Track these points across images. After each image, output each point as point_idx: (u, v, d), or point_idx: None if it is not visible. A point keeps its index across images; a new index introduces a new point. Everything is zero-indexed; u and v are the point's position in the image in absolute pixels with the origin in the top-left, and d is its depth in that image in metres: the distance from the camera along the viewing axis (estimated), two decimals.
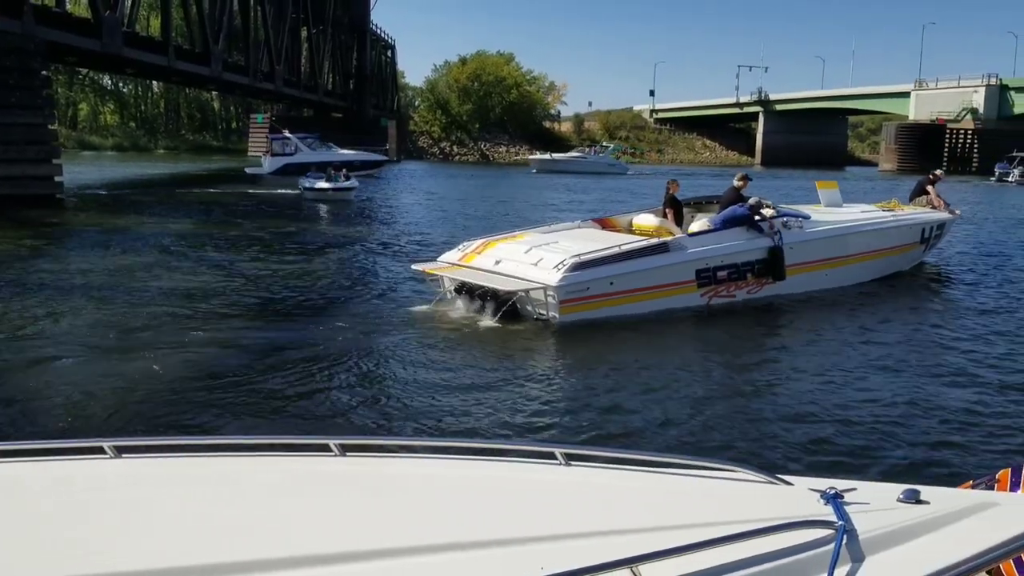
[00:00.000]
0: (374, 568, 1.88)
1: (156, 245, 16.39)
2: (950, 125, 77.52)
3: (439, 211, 27.30)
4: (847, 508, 2.14)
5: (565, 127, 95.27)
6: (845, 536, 2.00)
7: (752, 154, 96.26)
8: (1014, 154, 59.24)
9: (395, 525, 2.07)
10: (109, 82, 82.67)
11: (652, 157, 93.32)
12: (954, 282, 13.97)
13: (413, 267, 11.33)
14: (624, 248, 10.21)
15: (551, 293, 9.46)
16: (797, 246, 11.44)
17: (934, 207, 14.85)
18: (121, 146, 76.58)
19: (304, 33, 62.20)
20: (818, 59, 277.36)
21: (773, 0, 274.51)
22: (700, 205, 12.95)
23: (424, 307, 10.51)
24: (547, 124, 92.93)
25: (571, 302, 9.56)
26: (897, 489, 2.27)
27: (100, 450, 2.41)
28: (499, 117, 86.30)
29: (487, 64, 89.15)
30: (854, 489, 2.29)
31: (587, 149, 69.05)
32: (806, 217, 12.14)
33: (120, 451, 2.42)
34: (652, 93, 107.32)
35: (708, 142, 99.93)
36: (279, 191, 32.50)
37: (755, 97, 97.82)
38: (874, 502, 2.22)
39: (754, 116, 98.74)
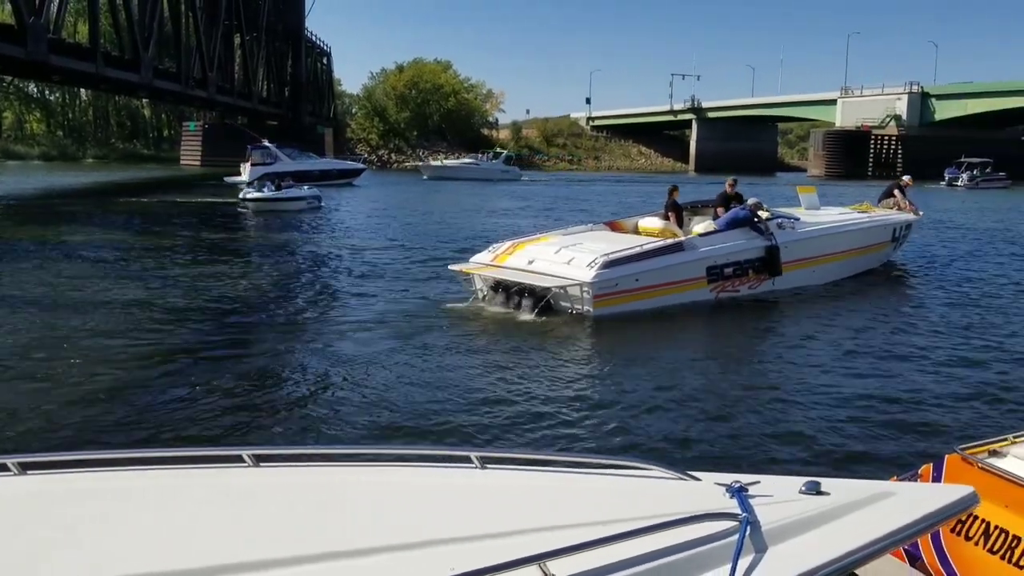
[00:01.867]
0: None
1: (87, 256, 16.09)
2: (875, 132, 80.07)
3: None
4: (751, 501, 2.20)
5: (503, 134, 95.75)
6: (748, 528, 2.07)
7: (686, 161, 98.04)
8: (962, 160, 62.07)
9: (307, 534, 2.07)
10: (35, 89, 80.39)
11: (589, 164, 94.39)
12: (918, 278, 14.99)
13: (450, 267, 12.04)
14: (646, 248, 11.18)
15: (586, 289, 10.30)
16: (790, 245, 12.44)
17: (900, 209, 15.90)
18: (48, 155, 74.40)
19: (237, 40, 61.41)
20: (748, 68, 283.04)
21: (704, 10, 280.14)
22: (696, 209, 13.91)
23: (461, 305, 11.16)
24: (485, 131, 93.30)
25: (603, 297, 10.40)
26: (800, 481, 2.35)
27: (4, 467, 2.36)
28: (437, 125, 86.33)
29: (424, 72, 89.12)
30: (758, 482, 2.36)
31: (480, 155, 67.91)
32: (796, 219, 13.10)
33: (25, 468, 2.37)
34: (588, 101, 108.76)
35: (644, 149, 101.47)
36: (212, 200, 31.80)
37: (688, 105, 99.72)
38: (777, 494, 2.29)
39: (688, 124, 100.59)
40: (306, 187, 30.69)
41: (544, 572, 1.86)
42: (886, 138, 79.83)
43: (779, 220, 12.62)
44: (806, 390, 7.49)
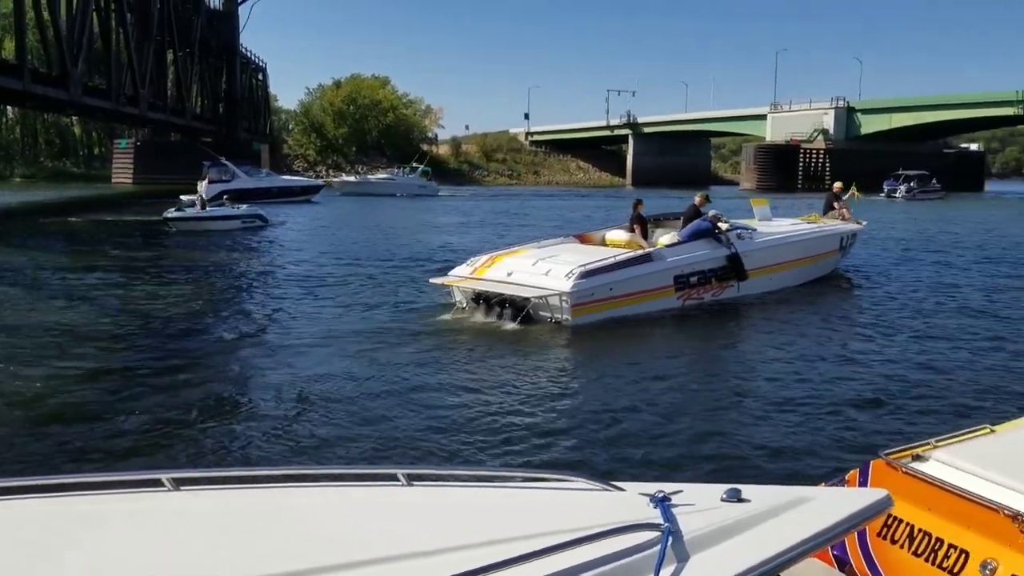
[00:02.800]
0: None
1: (7, 277, 15.62)
2: (804, 145, 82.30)
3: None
4: (674, 510, 2.22)
5: (443, 150, 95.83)
6: (670, 537, 2.08)
7: (624, 175, 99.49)
8: (900, 172, 64.51)
9: (228, 559, 2.05)
10: None
11: (529, 179, 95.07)
12: (862, 285, 15.76)
13: (431, 280, 12.53)
14: (619, 259, 11.71)
15: (565, 299, 10.81)
16: (749, 254, 13.08)
17: (844, 219, 16.69)
18: None
19: (170, 56, 60.37)
20: (682, 84, 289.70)
21: (639, 27, 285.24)
22: (659, 221, 14.47)
23: (446, 316, 11.59)
24: (425, 147, 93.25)
25: (580, 306, 10.93)
26: (721, 489, 2.37)
27: None
28: (376, 140, 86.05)
29: (362, 87, 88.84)
30: (681, 491, 2.38)
31: (396, 170, 66.25)
32: (753, 230, 13.83)
33: None
34: (527, 116, 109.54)
35: (582, 164, 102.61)
36: (143, 218, 30.80)
37: (624, 120, 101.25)
38: (699, 503, 2.31)
39: (624, 139, 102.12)
40: (245, 205, 29.56)
41: None
42: (814, 152, 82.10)
43: (738, 231, 13.27)
44: (758, 397, 7.74)
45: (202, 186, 44.32)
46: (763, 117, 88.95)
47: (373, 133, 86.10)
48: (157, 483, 2.45)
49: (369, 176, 63.88)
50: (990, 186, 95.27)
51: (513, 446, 6.39)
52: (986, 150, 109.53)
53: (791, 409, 7.29)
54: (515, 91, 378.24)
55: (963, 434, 4.06)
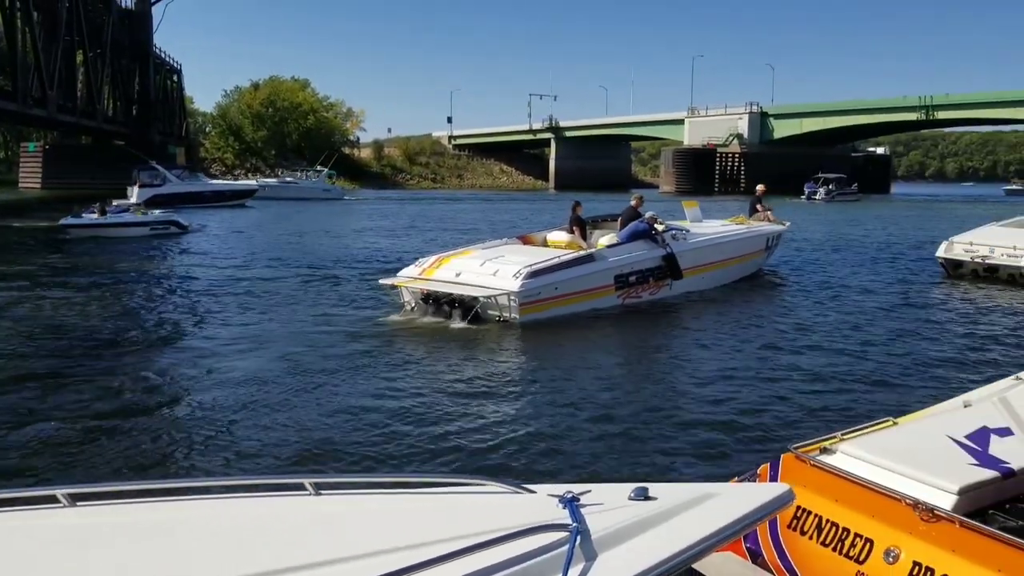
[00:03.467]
0: None
1: None
2: (720, 149, 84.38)
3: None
4: (582, 510, 2.25)
5: (365, 153, 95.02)
6: (578, 537, 2.10)
7: (546, 178, 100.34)
8: (819, 176, 66.87)
9: (128, 574, 2.01)
10: None
11: (452, 182, 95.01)
12: (786, 283, 16.46)
13: (381, 281, 12.73)
14: (563, 259, 12.09)
15: (513, 298, 11.13)
16: (684, 254, 13.62)
17: (770, 220, 17.38)
18: None
19: (80, 57, 58.31)
20: (602, 88, 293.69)
21: (558, 32, 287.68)
22: (597, 223, 14.83)
23: (396, 316, 11.79)
24: (346, 150, 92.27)
25: (528, 304, 11.27)
26: (629, 488, 2.43)
27: None
28: (296, 143, 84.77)
29: (281, 90, 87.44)
30: (589, 491, 2.41)
31: (299, 173, 63.61)
32: (686, 231, 14.32)
33: None
34: (450, 120, 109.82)
35: (505, 167, 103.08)
36: (51, 224, 29.04)
37: (546, 124, 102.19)
38: (607, 502, 2.34)
39: (547, 142, 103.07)
40: (159, 211, 28.16)
41: None
42: (730, 155, 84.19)
43: (672, 232, 13.80)
44: (684, 395, 7.97)
45: (132, 190, 43.20)
46: (681, 122, 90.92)
47: (293, 136, 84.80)
48: (52, 499, 2.38)
49: (269, 180, 60.13)
50: (896, 188, 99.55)
51: (445, 448, 6.42)
52: (892, 154, 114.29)
53: (712, 407, 7.54)
54: (438, 94, 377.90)
55: (868, 427, 4.25)
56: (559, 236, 13.74)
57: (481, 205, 52.79)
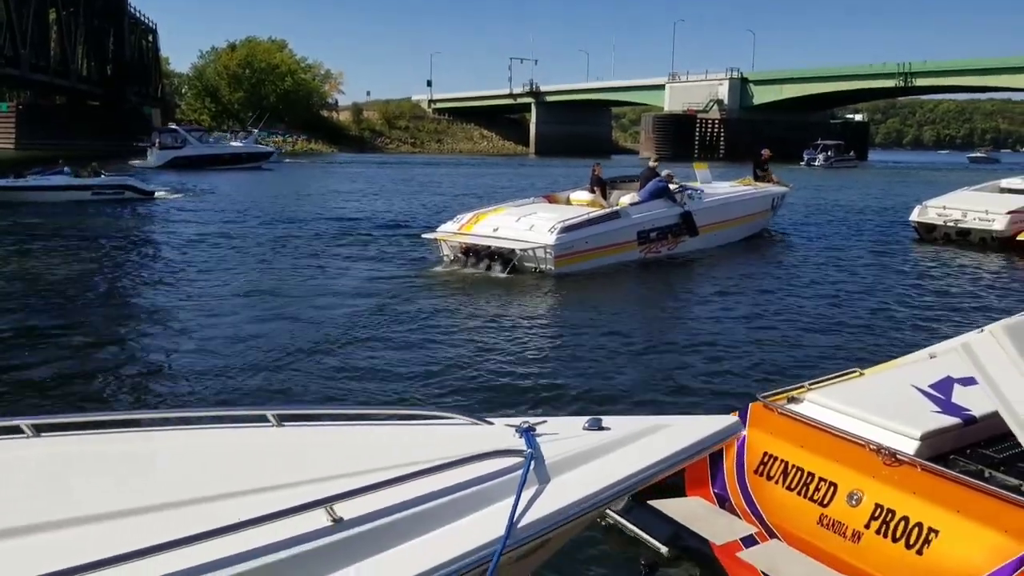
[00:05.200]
0: (69, 536, 1.87)
1: None
2: (700, 116, 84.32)
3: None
4: (538, 439, 2.34)
5: (344, 116, 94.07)
6: (532, 462, 2.21)
7: (527, 144, 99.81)
8: (819, 142, 68.86)
9: (93, 498, 2.05)
10: None
11: (432, 147, 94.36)
12: (789, 241, 17.45)
13: (424, 235, 13.60)
14: (592, 216, 12.91)
15: (549, 250, 12.01)
16: (699, 212, 14.49)
17: (774, 182, 18.18)
18: None
19: (53, 15, 57.14)
20: (583, 53, 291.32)
21: None
22: (615, 183, 15.74)
23: (439, 268, 12.78)
24: (325, 113, 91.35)
25: (562, 257, 12.13)
26: (583, 420, 2.54)
27: None
28: (274, 106, 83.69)
29: (258, 50, 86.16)
30: (545, 422, 2.54)
31: (229, 134, 59.79)
32: (700, 190, 15.23)
33: None
34: (430, 83, 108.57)
35: (486, 132, 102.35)
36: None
37: (527, 89, 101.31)
38: (562, 432, 2.45)
39: (527, 107, 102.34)
40: (104, 175, 24.95)
41: (331, 516, 1.93)
42: (710, 121, 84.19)
43: (688, 191, 14.69)
44: (687, 345, 8.32)
45: (152, 151, 43.51)
46: (661, 87, 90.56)
47: (271, 98, 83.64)
48: (16, 430, 2.41)
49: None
50: (873, 155, 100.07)
51: (472, 383, 6.89)
52: (870, 121, 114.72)
53: (710, 355, 7.90)
54: (417, 58, 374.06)
55: (834, 377, 4.41)
56: (582, 195, 14.58)
57: (464, 170, 52.33)
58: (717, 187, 16.47)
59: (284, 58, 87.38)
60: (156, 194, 25.97)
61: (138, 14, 73.85)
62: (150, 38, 78.82)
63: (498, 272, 12.11)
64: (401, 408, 2.89)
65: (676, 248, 14.16)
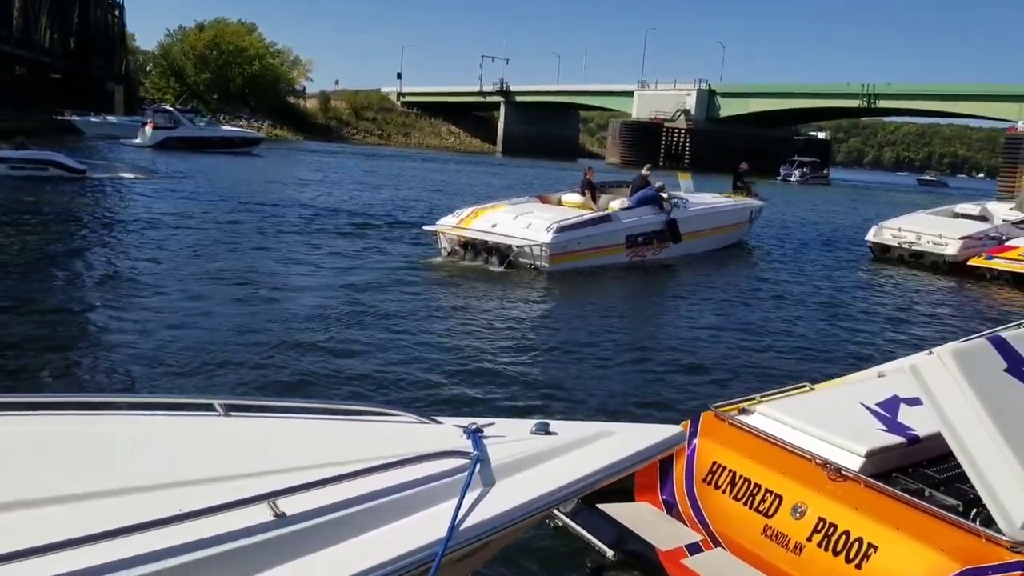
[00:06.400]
0: (1, 522, 1.84)
1: None
2: (667, 124, 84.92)
3: None
4: (484, 441, 2.35)
5: (311, 103, 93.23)
6: (478, 464, 2.21)
7: (494, 142, 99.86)
8: (795, 159, 72.42)
9: (36, 481, 2.03)
10: None
11: (399, 140, 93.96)
12: (764, 252, 18.11)
13: (425, 228, 14.25)
14: (585, 218, 13.54)
15: (544, 248, 12.55)
16: (683, 220, 15.12)
17: (752, 196, 18.91)
18: None
19: None
20: (554, 55, 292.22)
21: None
22: (604, 188, 16.22)
23: (438, 259, 13.32)
24: (292, 100, 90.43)
25: (557, 256, 12.67)
26: (531, 423, 2.56)
27: None
28: (240, 89, 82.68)
29: (227, 32, 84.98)
30: (493, 424, 2.54)
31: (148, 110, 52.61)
32: (686, 200, 15.91)
33: None
34: (399, 76, 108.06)
35: (453, 128, 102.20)
36: None
37: (497, 87, 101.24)
38: (509, 434, 2.47)
39: (496, 106, 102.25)
40: (30, 148, 23.15)
41: (274, 511, 1.92)
42: (676, 131, 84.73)
43: (675, 200, 15.34)
44: (658, 351, 8.45)
45: (146, 130, 43.18)
46: (630, 94, 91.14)
47: (237, 81, 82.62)
48: None
49: (92, 118, 51.36)
50: (833, 173, 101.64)
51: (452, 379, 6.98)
52: (832, 139, 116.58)
53: (673, 362, 8.01)
54: (388, 50, 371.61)
55: (786, 391, 4.47)
56: (573, 197, 15.10)
57: (429, 167, 51.80)
58: (700, 197, 17.04)
59: (253, 41, 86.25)
60: (122, 175, 24.77)
61: None
62: (116, 13, 77.21)
63: (495, 266, 12.65)
64: (351, 403, 2.81)
65: (660, 253, 14.76)
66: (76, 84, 61.26)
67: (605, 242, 13.62)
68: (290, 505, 1.94)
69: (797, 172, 69.80)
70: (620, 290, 12.74)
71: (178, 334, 7.73)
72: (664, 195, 15.04)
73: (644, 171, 15.72)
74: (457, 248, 13.26)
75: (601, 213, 14.14)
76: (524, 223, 13.02)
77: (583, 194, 15.27)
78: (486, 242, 12.83)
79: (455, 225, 13.41)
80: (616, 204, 14.68)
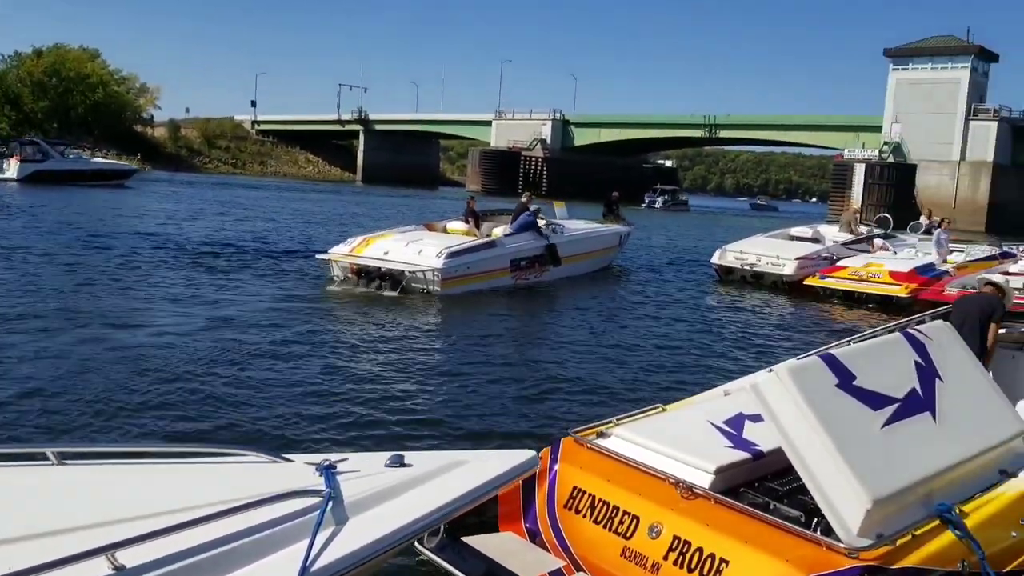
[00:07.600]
0: None
1: None
2: (524, 153, 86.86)
3: None
4: (338, 477, 2.32)
5: (159, 132, 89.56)
6: (330, 503, 2.17)
7: (354, 170, 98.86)
8: (657, 187, 77.39)
9: None
10: None
11: (255, 168, 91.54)
12: (630, 275, 19.21)
13: (318, 256, 14.60)
14: (473, 244, 14.41)
15: (436, 273, 13.24)
16: (561, 244, 16.24)
17: (620, 221, 20.50)
18: None
19: None
20: (412, 84, 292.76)
21: (369, 25, 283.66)
22: (486, 215, 17.25)
23: (333, 287, 13.71)
24: (139, 128, 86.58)
25: (448, 280, 13.38)
26: (385, 456, 2.54)
27: None
28: (82, 117, 78.42)
29: (68, 59, 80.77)
30: (346, 459, 2.51)
31: None
32: (562, 225, 16.89)
33: None
34: (254, 104, 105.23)
35: (312, 157, 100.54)
36: None
37: (356, 115, 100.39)
38: (364, 469, 2.43)
39: (355, 134, 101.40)
40: None
41: (113, 564, 1.83)
42: (534, 159, 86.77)
43: (552, 226, 16.33)
44: (534, 377, 8.71)
45: (11, 163, 40.58)
46: (488, 123, 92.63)
47: (79, 109, 78.40)
48: None
49: None
50: None
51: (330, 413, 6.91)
52: (678, 167, 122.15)
53: (553, 383, 8.43)
54: (242, 78, 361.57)
55: (640, 413, 4.58)
56: (457, 225, 15.95)
57: (287, 196, 50.90)
58: (574, 223, 18.08)
59: (96, 68, 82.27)
60: None
61: None
62: None
63: (388, 291, 13.20)
64: (196, 445, 2.67)
65: (542, 276, 15.80)
66: None
67: (492, 266, 14.47)
68: (130, 557, 1.85)
69: (660, 199, 74.34)
70: (504, 312, 13.29)
71: (11, 380, 7.21)
72: (541, 221, 15.94)
73: (523, 199, 16.57)
74: (350, 275, 13.69)
75: (487, 239, 14.94)
76: (415, 250, 13.63)
77: (467, 221, 16.08)
78: (379, 268, 13.33)
79: (347, 253, 13.87)
80: (499, 231, 15.50)
